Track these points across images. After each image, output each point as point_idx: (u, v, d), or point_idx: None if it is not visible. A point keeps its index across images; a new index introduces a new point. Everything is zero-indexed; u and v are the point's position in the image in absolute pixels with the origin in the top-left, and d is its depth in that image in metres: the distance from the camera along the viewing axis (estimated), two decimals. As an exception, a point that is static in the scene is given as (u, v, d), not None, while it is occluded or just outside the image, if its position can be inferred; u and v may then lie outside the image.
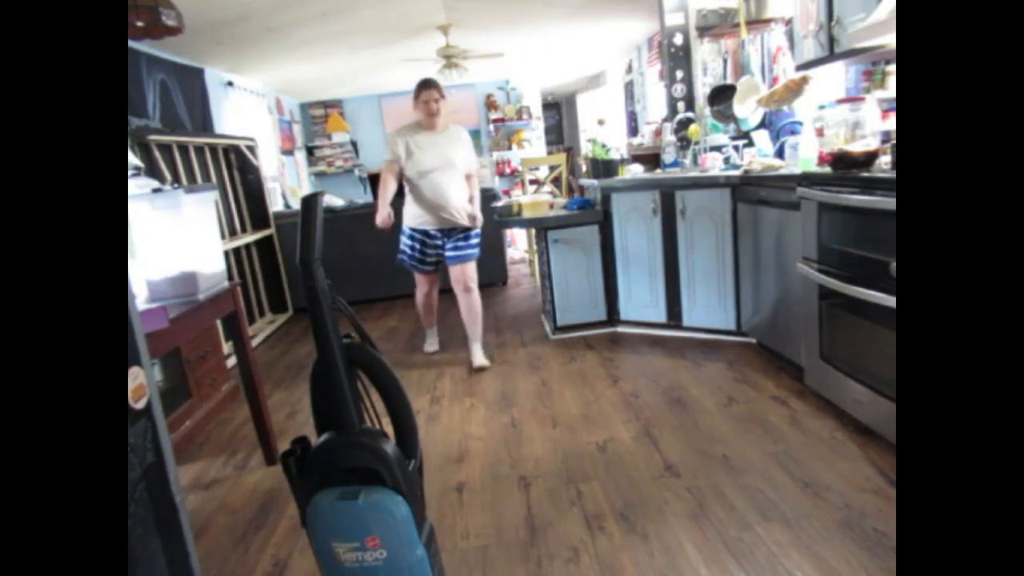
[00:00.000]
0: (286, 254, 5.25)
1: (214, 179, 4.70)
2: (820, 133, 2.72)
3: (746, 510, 1.87)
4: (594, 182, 3.72)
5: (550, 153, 9.79)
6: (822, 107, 2.95)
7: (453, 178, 3.35)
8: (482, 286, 3.73)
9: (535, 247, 5.21)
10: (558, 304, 3.78)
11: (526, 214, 3.84)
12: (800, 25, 3.10)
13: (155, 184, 2.45)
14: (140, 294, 2.17)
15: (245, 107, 6.16)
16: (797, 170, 2.64)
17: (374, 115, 8.73)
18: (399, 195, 3.47)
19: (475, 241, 3.50)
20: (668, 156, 3.80)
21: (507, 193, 7.68)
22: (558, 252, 3.71)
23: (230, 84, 5.78)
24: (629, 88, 7.91)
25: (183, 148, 4.30)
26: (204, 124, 5.03)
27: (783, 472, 2.05)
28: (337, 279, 1.45)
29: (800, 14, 3.09)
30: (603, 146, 3.77)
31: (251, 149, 5.16)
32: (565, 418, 2.68)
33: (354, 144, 8.60)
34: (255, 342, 4.41)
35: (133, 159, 2.86)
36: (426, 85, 3.30)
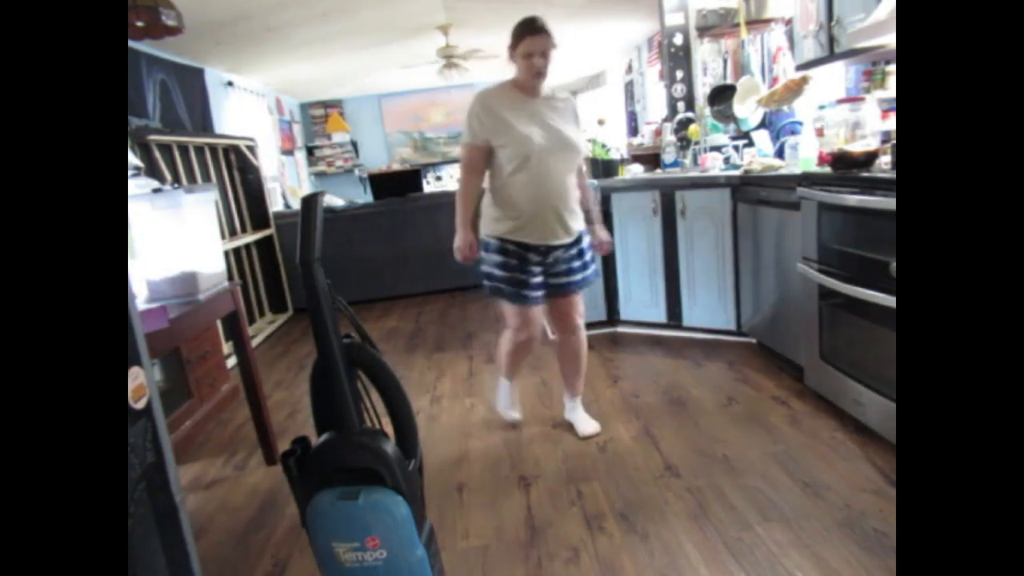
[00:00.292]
0: (286, 254, 5.25)
1: (214, 179, 4.70)
2: (820, 133, 2.72)
3: (746, 510, 1.87)
4: (594, 182, 3.72)
5: (550, 153, 9.76)
6: (822, 107, 2.96)
7: (569, 167, 2.29)
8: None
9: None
10: (558, 304, 3.77)
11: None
12: (800, 25, 3.09)
13: (155, 184, 2.46)
14: (140, 294, 2.17)
15: (245, 107, 6.16)
16: (797, 170, 2.64)
17: (374, 115, 8.74)
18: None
19: (590, 257, 2.45)
20: (668, 156, 3.80)
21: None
22: (558, 252, 3.70)
23: (230, 84, 5.78)
24: (629, 88, 7.91)
25: (183, 148, 4.30)
26: (204, 124, 5.03)
27: (783, 472, 2.06)
28: (337, 279, 1.45)
29: (800, 14, 3.08)
30: (603, 146, 3.77)
31: (251, 149, 5.16)
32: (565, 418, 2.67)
33: (354, 144, 8.61)
34: (255, 342, 4.41)
35: (133, 159, 2.86)
36: (530, 28, 2.13)
